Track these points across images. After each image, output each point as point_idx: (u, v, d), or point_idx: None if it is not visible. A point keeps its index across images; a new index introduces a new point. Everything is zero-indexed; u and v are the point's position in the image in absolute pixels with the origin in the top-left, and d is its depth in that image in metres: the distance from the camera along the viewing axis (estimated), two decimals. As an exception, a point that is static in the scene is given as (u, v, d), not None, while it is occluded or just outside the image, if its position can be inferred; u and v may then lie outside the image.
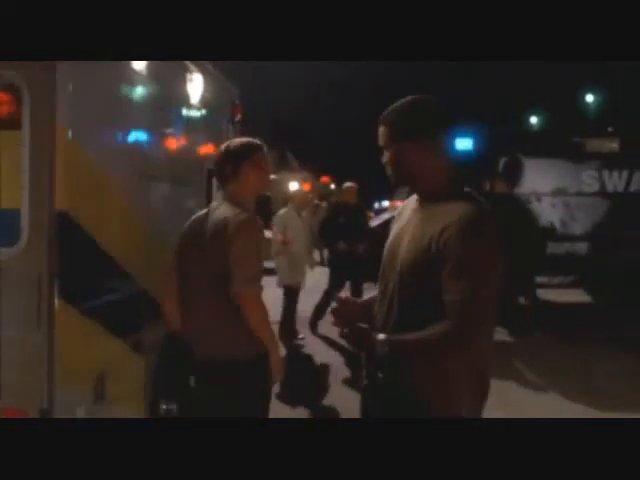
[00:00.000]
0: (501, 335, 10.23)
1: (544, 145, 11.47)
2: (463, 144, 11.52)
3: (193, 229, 3.77)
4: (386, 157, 2.56)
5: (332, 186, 28.67)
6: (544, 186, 11.27)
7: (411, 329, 2.36)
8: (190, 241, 3.74)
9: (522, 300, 11.03)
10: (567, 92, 36.12)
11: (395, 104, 2.56)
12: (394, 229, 2.64)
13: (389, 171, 2.58)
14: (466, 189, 2.52)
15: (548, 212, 11.22)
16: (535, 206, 11.21)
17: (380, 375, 2.48)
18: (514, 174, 11.23)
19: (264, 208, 15.30)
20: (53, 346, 3.34)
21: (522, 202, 11.10)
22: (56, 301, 3.38)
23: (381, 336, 2.37)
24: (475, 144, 11.43)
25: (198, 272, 3.57)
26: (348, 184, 10.52)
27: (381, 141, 2.56)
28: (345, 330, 2.45)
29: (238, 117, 7.35)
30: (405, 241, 2.49)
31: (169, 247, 5.05)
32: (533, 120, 40.60)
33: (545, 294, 12.24)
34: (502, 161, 11.42)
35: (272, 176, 29.87)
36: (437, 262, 2.32)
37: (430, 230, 2.38)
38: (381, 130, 2.55)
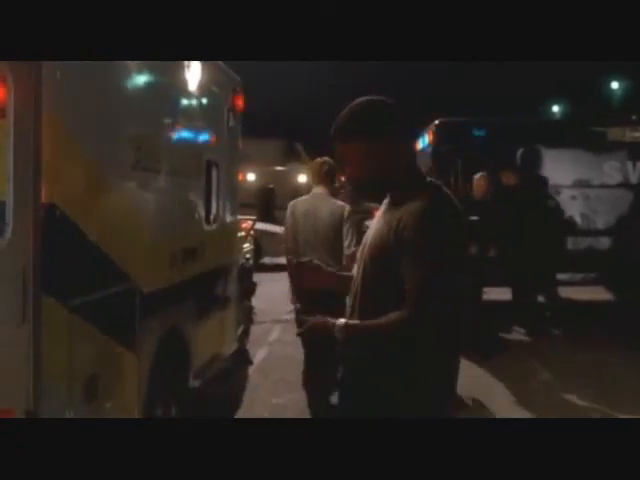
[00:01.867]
0: (518, 334, 10.20)
1: (564, 135, 11.39)
2: (478, 133, 11.47)
3: (311, 209, 6.05)
4: (347, 172, 2.63)
5: (343, 178, 28.56)
6: (564, 178, 11.19)
7: (367, 303, 2.54)
8: (305, 218, 6.02)
9: (541, 298, 10.98)
10: (591, 79, 35.93)
11: (338, 117, 2.62)
12: (369, 228, 2.75)
13: (353, 184, 2.68)
14: (428, 179, 2.60)
15: (568, 205, 11.14)
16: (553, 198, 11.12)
17: (349, 372, 2.61)
18: (532, 165, 11.16)
19: (267, 201, 15.35)
20: (39, 344, 3.33)
21: (540, 195, 11.02)
22: (42, 297, 3.37)
23: (340, 321, 2.53)
24: (491, 133, 11.37)
25: (317, 239, 5.92)
26: (479, 175, 9.72)
27: (336, 155, 2.64)
28: (303, 325, 2.64)
29: (240, 105, 7.33)
30: (370, 236, 2.63)
31: (164, 241, 5.09)
32: (555, 109, 40.43)
33: (565, 292, 12.18)
34: (519, 152, 11.36)
35: (279, 167, 29.86)
36: (395, 252, 2.42)
37: (389, 221, 2.50)
38: (336, 147, 2.62)
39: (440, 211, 2.45)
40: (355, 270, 2.72)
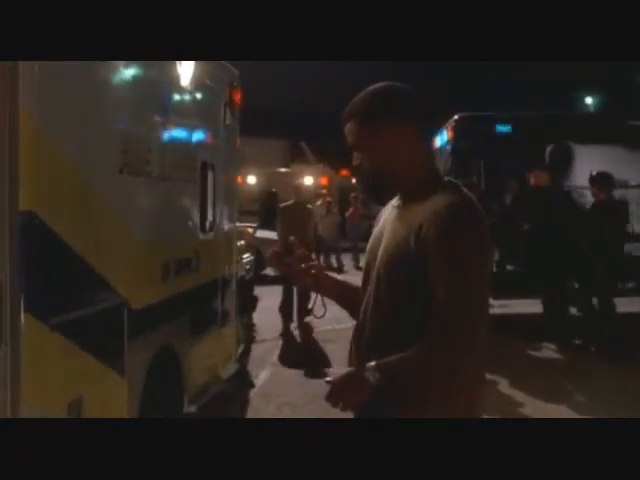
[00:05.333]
0: (548, 351, 10.17)
1: (598, 130, 11.37)
2: (502, 129, 11.47)
3: (295, 212, 11.23)
4: (357, 158, 2.59)
5: (353, 180, 28.61)
6: (597, 177, 11.16)
7: (388, 341, 2.42)
8: (290, 216, 11.00)
9: (574, 310, 10.95)
10: (628, 68, 35.84)
11: (358, 96, 2.60)
12: (374, 231, 2.69)
13: (362, 174, 2.61)
14: (447, 179, 2.55)
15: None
16: (588, 202, 11.09)
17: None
18: (563, 164, 11.16)
19: (269, 206, 15.44)
20: (17, 366, 3.35)
21: (573, 197, 11.01)
22: (22, 315, 3.39)
23: (370, 364, 2.37)
24: (516, 129, 11.37)
25: (297, 230, 9.70)
26: None
27: (349, 139, 2.58)
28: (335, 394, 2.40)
29: (238, 101, 7.36)
30: (385, 239, 2.54)
31: (155, 252, 5.11)
32: (588, 101, 40.35)
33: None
34: (549, 149, 11.36)
35: (282, 169, 30.14)
36: (418, 261, 2.35)
37: (406, 229, 2.43)
38: (347, 128, 2.58)
39: (469, 211, 2.38)
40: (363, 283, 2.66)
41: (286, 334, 11.22)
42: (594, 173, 10.03)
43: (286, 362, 9.80)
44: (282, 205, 11.56)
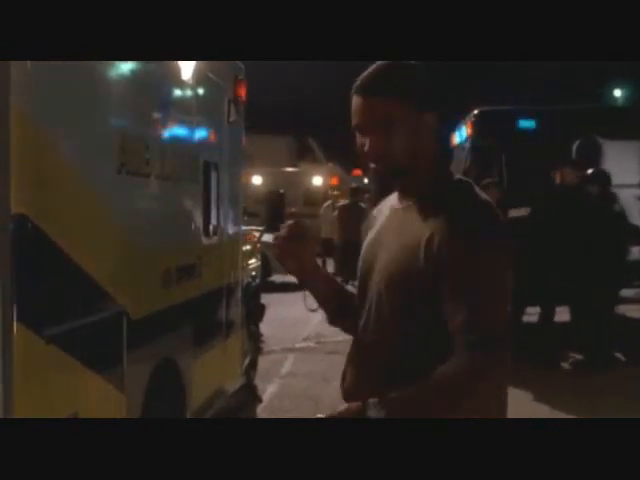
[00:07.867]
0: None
1: (628, 124, 11.34)
2: (526, 124, 11.45)
3: (351, 211, 15.58)
4: (372, 140, 2.32)
5: (365, 180, 28.59)
6: (628, 175, 11.13)
7: (393, 368, 2.30)
8: (349, 218, 15.75)
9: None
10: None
11: (373, 67, 2.39)
12: (369, 235, 2.55)
13: (374, 159, 2.37)
14: (458, 177, 2.40)
15: (634, 208, 11.05)
16: (619, 201, 11.05)
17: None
18: (590, 161, 11.13)
19: (276, 208, 15.53)
20: (10, 381, 3.35)
21: (602, 196, 10.96)
22: (14, 326, 3.39)
23: (373, 400, 2.18)
24: (541, 124, 11.35)
25: None
26: None
27: (358, 117, 2.34)
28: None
29: (243, 96, 7.37)
30: (384, 248, 2.39)
31: (156, 257, 5.11)
32: (617, 93, 40.28)
33: (631, 311, 12.08)
34: (575, 144, 11.33)
35: (290, 168, 30.23)
36: (427, 281, 2.20)
37: (412, 238, 2.26)
38: (359, 103, 2.34)
39: (491, 218, 2.25)
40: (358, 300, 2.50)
41: None
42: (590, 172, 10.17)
43: None
44: (340, 205, 15.56)
